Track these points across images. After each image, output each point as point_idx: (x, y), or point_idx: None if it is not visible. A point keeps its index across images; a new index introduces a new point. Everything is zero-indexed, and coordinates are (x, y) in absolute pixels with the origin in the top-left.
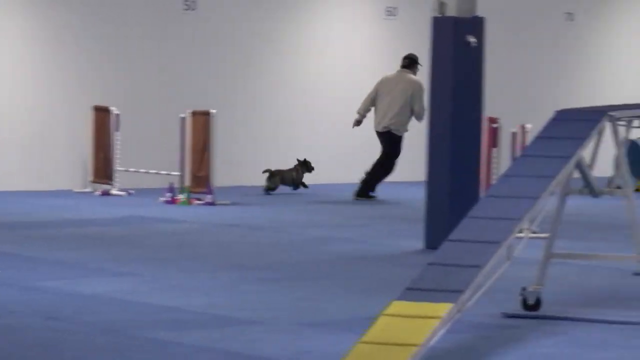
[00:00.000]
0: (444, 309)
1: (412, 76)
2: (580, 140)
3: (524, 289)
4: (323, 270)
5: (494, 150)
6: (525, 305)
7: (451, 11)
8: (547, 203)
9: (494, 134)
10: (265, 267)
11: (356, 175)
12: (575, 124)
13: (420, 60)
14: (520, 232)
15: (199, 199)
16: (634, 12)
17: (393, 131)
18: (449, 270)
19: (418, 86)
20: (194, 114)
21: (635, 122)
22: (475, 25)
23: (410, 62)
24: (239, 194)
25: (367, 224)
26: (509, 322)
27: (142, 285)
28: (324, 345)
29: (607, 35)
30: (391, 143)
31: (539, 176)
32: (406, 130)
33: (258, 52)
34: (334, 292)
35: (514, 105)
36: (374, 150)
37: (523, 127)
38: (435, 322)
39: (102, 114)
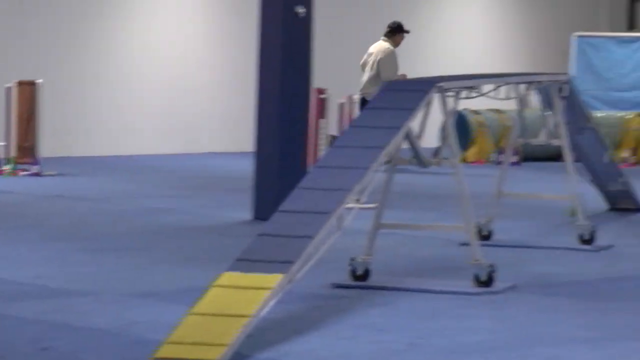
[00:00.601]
0: (274, 279)
1: (384, 43)
2: (409, 111)
3: (352, 259)
4: (151, 241)
5: (322, 121)
6: (354, 276)
7: None
8: (376, 174)
9: (322, 104)
10: (92, 238)
11: (182, 145)
12: (404, 95)
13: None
14: (350, 202)
15: (25, 170)
16: None
17: (366, 98)
18: (279, 241)
19: (383, 53)
20: (20, 84)
21: (464, 93)
22: None
23: (389, 31)
24: (66, 165)
25: (194, 195)
26: (338, 293)
27: None
28: (153, 315)
29: (437, 5)
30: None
31: (368, 147)
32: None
33: (84, 21)
34: (162, 263)
35: (342, 76)
36: (200, 121)
37: (350, 98)
38: (266, 293)
39: None
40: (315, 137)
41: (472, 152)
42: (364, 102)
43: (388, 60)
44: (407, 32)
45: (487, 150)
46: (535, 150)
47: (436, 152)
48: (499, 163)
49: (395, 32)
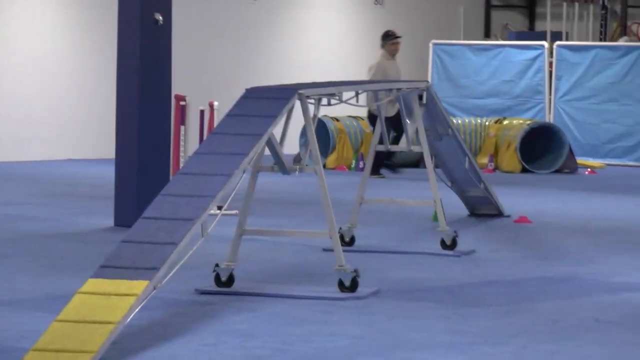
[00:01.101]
0: (139, 286)
1: (377, 54)
2: (270, 117)
3: (217, 265)
4: (11, 249)
5: (182, 128)
6: (219, 282)
7: None
8: (239, 180)
9: (182, 111)
10: None
11: (44, 152)
12: (266, 102)
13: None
14: (219, 208)
15: None
16: None
17: (371, 112)
18: (143, 247)
19: (371, 63)
20: None
21: (324, 100)
22: (163, 3)
23: (381, 40)
24: None
25: (56, 202)
26: (202, 299)
27: None
28: (16, 324)
29: (289, 15)
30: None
31: (231, 153)
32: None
33: None
34: (24, 270)
35: (202, 83)
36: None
37: (211, 105)
38: (132, 300)
39: None
40: (176, 144)
41: (332, 159)
42: (370, 116)
43: (370, 72)
44: (396, 37)
45: (348, 156)
46: (397, 157)
47: (297, 158)
48: (360, 169)
49: (384, 40)
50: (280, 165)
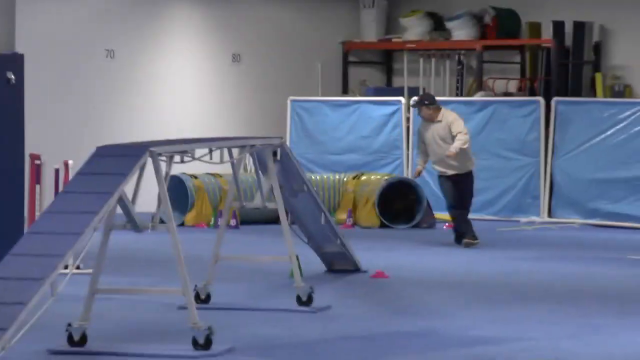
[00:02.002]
0: None
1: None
2: (121, 175)
3: (69, 324)
4: None
5: (38, 187)
6: (72, 341)
7: None
8: (91, 239)
9: (38, 170)
10: None
11: None
12: (117, 160)
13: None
14: (65, 268)
15: None
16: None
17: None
18: None
19: None
20: None
21: (177, 158)
22: (15, 61)
23: None
24: None
25: None
26: (54, 359)
27: None
28: None
29: (146, 72)
30: None
31: (81, 212)
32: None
33: None
34: None
35: (57, 141)
36: None
37: (66, 164)
38: None
39: None
40: (31, 204)
41: (191, 216)
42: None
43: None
44: (424, 103)
45: (207, 213)
46: (253, 213)
47: (153, 216)
48: (218, 226)
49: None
50: (132, 223)
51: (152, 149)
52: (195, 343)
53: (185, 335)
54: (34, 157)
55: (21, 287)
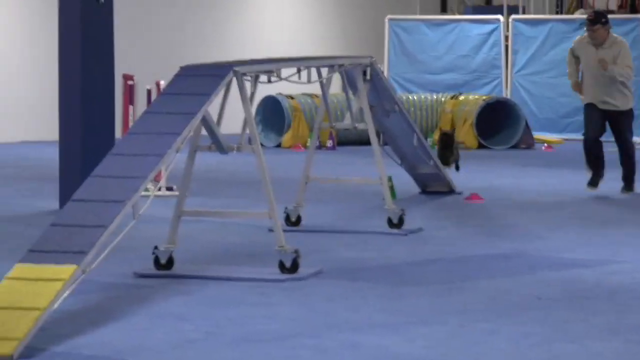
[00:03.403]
0: (67, 271)
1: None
2: (205, 96)
3: (156, 247)
4: None
5: (131, 107)
6: (158, 264)
7: None
8: (176, 160)
9: (130, 91)
10: None
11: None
12: (201, 80)
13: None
14: (147, 190)
15: None
16: None
17: None
18: (72, 230)
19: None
20: None
21: (263, 78)
22: None
23: None
24: None
25: (1, 185)
26: (140, 282)
27: None
28: None
29: None
30: None
31: (164, 133)
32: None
33: None
34: None
35: (149, 62)
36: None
37: (158, 84)
38: (59, 285)
39: None
40: (124, 124)
41: (288, 137)
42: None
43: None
44: (601, 21)
45: (304, 134)
46: (351, 134)
47: (248, 138)
48: (318, 147)
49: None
50: (217, 144)
51: (236, 68)
52: (282, 266)
53: (273, 259)
54: (127, 77)
55: (102, 209)
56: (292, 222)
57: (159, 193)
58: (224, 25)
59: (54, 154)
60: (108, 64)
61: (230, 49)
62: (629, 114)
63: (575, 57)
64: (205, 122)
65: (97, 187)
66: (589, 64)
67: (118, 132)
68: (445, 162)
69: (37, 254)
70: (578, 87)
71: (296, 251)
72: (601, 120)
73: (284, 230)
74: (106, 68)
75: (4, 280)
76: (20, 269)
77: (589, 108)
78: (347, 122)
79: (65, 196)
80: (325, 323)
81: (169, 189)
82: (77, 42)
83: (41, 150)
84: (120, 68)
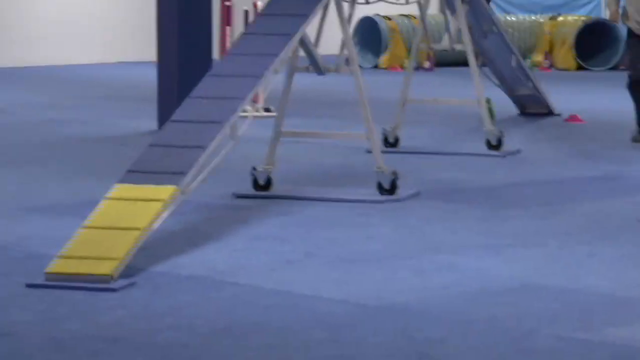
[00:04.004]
0: (166, 191)
1: None
2: (303, 17)
3: (254, 168)
4: (51, 153)
5: (228, 28)
6: (256, 185)
7: None
8: (274, 81)
9: (227, 12)
10: None
11: (88, 56)
12: (299, 1)
13: None
14: (245, 111)
15: None
16: None
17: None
18: (170, 151)
19: None
20: None
21: None
22: None
23: None
24: None
25: (99, 105)
26: (239, 203)
27: None
28: (48, 229)
29: None
30: None
31: (262, 54)
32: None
33: None
34: (60, 175)
35: None
36: (106, 30)
37: (255, 5)
38: (158, 205)
39: None
40: (222, 45)
41: (386, 58)
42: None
43: None
44: None
45: (401, 55)
46: (449, 55)
47: (345, 59)
48: (415, 68)
49: None
50: (315, 65)
51: None
52: (380, 187)
53: (372, 180)
54: None
55: (201, 130)
56: (390, 143)
57: (257, 114)
58: None
59: (151, 74)
60: None
61: None
62: None
63: None
64: (303, 43)
65: (196, 108)
66: None
67: (215, 53)
68: None
69: (136, 174)
70: (615, 15)
71: (394, 172)
72: None
73: (382, 152)
74: None
75: (103, 200)
76: (119, 189)
77: (632, 40)
78: (445, 43)
79: (163, 117)
80: (423, 244)
81: (267, 110)
82: None
83: (139, 70)
84: None
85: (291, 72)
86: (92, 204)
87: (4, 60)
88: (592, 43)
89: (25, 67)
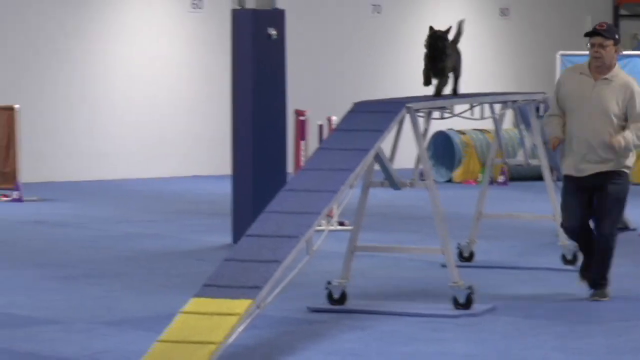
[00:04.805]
0: (242, 305)
1: None
2: (379, 132)
3: (329, 282)
4: (126, 267)
5: (302, 142)
6: (331, 299)
7: (250, 3)
8: (349, 196)
9: (302, 126)
10: (67, 264)
11: (163, 169)
12: (374, 116)
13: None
14: (320, 225)
15: (5, 196)
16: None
17: None
18: (246, 265)
19: None
20: None
21: (436, 114)
22: (276, 17)
23: None
24: (47, 190)
25: (175, 219)
26: (314, 317)
27: None
28: (123, 344)
29: (413, 27)
30: None
31: (338, 169)
32: None
33: (63, 46)
34: (136, 289)
35: (321, 97)
36: (182, 145)
37: (330, 120)
38: (234, 319)
39: None
40: (296, 159)
41: (459, 172)
42: None
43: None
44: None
45: (475, 170)
46: (523, 170)
47: (419, 173)
48: (490, 183)
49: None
50: (390, 180)
51: (409, 104)
52: (455, 302)
53: (446, 295)
54: (299, 113)
55: (276, 245)
56: (465, 257)
57: (332, 228)
58: (397, 60)
59: (225, 188)
60: (280, 99)
61: (403, 85)
62: (621, 177)
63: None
64: (378, 158)
65: (272, 222)
66: (576, 106)
67: (290, 167)
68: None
69: (212, 288)
70: (558, 142)
71: (470, 287)
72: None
73: (457, 266)
74: (278, 103)
75: (179, 314)
76: (196, 303)
77: (568, 183)
78: (519, 157)
79: (237, 231)
80: None
81: (341, 224)
82: (249, 77)
83: (213, 184)
84: (292, 103)
85: (366, 186)
86: (168, 317)
87: (81, 174)
88: None
89: (102, 181)
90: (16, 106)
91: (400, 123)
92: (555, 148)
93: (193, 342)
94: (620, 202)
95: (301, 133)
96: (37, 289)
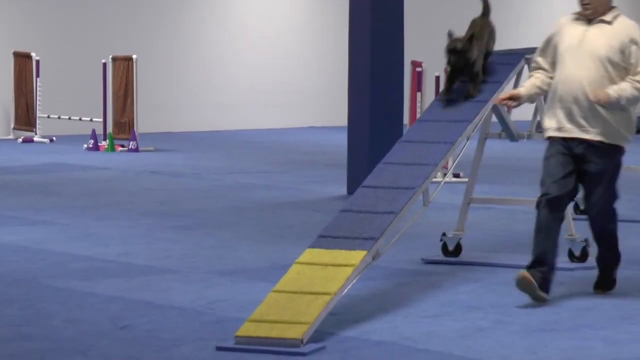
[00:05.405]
0: (357, 256)
1: None
2: (497, 83)
3: (444, 234)
4: (242, 218)
5: (419, 94)
6: (446, 251)
7: None
8: (466, 147)
9: (419, 78)
10: (183, 214)
11: (281, 120)
12: (493, 67)
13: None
14: (436, 177)
15: (122, 146)
16: None
17: None
18: (362, 217)
19: None
20: (115, 59)
21: None
22: None
23: None
24: (163, 141)
25: (291, 170)
26: (428, 269)
27: (57, 234)
28: (238, 293)
29: None
30: None
31: (455, 120)
32: None
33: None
34: (252, 239)
35: (438, 49)
36: (299, 95)
37: (446, 71)
38: (349, 270)
39: (22, 59)
40: (412, 111)
41: None
42: None
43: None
44: None
45: None
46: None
47: (537, 125)
48: None
49: None
50: (507, 132)
51: (528, 56)
52: (571, 255)
53: (563, 247)
54: (416, 64)
55: (392, 196)
56: (581, 210)
57: (447, 180)
58: (517, 13)
59: (341, 139)
60: (397, 51)
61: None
62: (614, 153)
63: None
64: (496, 109)
65: (388, 174)
66: (567, 54)
67: (406, 119)
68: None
69: (328, 239)
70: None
71: (586, 240)
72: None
73: (573, 219)
74: (395, 55)
75: (294, 264)
76: (310, 254)
77: (551, 146)
78: None
79: (353, 182)
80: (617, 313)
81: (456, 175)
82: (367, 30)
83: (329, 135)
84: (409, 54)
85: (483, 138)
86: (283, 268)
87: (196, 125)
88: None
89: (217, 132)
90: (134, 56)
91: (519, 74)
92: (505, 105)
93: (308, 292)
94: (610, 182)
95: (418, 84)
96: (153, 239)
